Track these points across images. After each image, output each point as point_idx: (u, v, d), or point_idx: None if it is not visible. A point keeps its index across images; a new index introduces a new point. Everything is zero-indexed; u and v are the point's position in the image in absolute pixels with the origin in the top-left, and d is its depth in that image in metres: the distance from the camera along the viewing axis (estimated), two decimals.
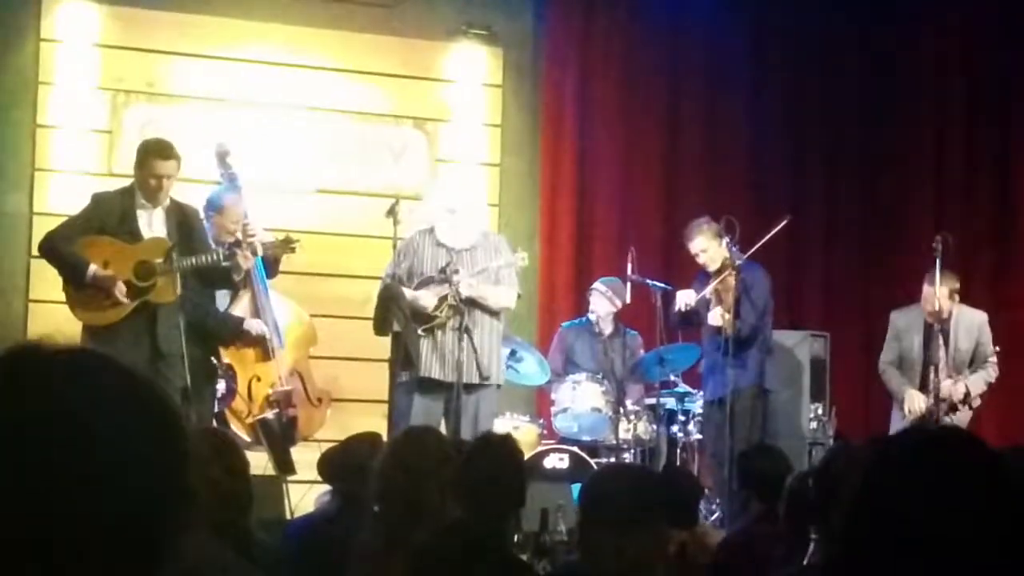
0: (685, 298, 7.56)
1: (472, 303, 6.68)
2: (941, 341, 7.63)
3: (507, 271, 6.90)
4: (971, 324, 7.70)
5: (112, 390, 1.10)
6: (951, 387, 7.58)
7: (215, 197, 6.77)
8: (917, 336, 7.75)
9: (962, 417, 7.63)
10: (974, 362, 7.70)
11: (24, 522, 1.03)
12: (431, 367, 6.66)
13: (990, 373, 7.72)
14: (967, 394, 7.60)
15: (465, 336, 6.52)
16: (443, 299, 6.64)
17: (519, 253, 7.01)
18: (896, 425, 7.70)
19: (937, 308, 7.54)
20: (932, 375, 7.61)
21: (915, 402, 7.65)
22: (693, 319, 7.67)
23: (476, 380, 6.66)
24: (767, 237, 7.52)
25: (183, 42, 8.27)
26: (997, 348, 7.76)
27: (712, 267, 7.53)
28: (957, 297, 7.70)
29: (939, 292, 7.55)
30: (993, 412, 8.29)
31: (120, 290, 6.12)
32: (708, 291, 7.47)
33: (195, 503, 1.11)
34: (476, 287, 6.70)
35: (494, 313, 6.84)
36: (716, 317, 7.41)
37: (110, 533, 1.05)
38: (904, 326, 7.83)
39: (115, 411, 1.08)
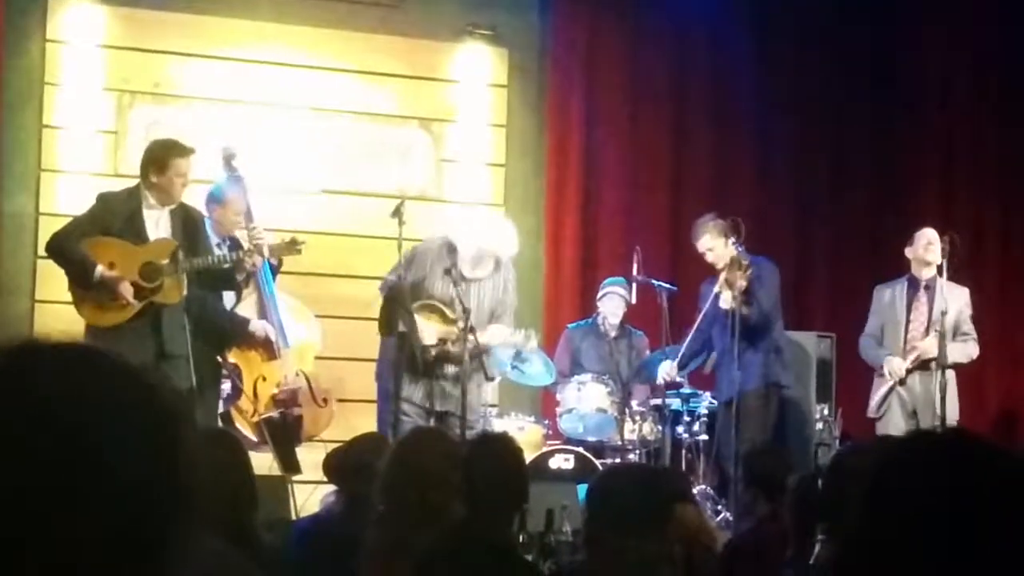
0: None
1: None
2: (924, 300, 7.60)
3: (505, 308, 6.81)
4: (954, 293, 7.60)
5: (106, 386, 1.09)
6: (927, 344, 7.50)
7: (217, 190, 6.76)
8: (901, 301, 7.72)
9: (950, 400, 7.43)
10: (955, 334, 7.60)
11: (20, 521, 1.02)
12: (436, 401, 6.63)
13: (970, 347, 7.66)
14: (941, 356, 7.42)
15: (478, 386, 6.60)
16: (443, 341, 6.58)
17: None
18: (878, 393, 7.65)
19: (928, 255, 7.54)
20: (911, 333, 7.57)
21: (894, 364, 7.59)
22: (691, 364, 7.80)
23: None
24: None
25: (188, 43, 8.27)
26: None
27: (719, 265, 7.51)
28: (944, 262, 7.56)
29: (932, 237, 7.57)
30: None
31: (127, 290, 6.10)
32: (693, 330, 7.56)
33: (195, 502, 1.10)
34: (487, 336, 6.59)
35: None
36: (727, 300, 7.37)
37: (107, 532, 1.04)
38: (888, 297, 7.80)
39: (108, 407, 1.07)
